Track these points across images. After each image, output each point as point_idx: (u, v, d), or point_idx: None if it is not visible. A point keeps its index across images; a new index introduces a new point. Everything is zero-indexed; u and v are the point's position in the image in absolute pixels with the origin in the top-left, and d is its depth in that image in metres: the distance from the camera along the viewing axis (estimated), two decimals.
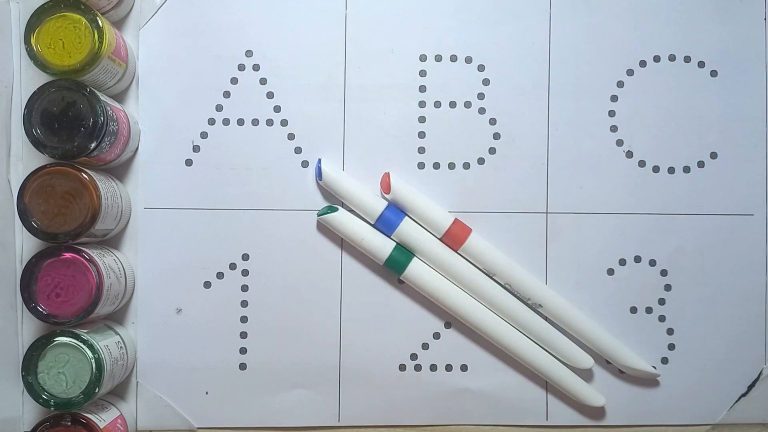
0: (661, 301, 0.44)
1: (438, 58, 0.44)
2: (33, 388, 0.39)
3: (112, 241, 0.43)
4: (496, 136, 0.44)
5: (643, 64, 0.44)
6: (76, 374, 0.39)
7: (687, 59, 0.44)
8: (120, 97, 0.43)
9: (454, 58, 0.44)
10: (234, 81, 0.44)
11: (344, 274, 0.44)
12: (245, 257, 0.44)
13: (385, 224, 0.43)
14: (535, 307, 0.43)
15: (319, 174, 0.43)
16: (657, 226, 0.44)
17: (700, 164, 0.44)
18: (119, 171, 0.43)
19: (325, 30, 0.44)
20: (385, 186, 0.43)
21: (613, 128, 0.44)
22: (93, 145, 0.38)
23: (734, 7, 0.44)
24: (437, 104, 0.44)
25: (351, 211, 0.43)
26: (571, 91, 0.44)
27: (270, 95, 0.44)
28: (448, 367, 0.44)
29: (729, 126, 0.44)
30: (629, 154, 0.44)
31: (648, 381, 0.44)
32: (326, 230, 0.43)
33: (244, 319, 0.44)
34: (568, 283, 0.44)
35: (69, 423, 0.39)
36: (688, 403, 0.44)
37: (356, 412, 0.44)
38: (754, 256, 0.44)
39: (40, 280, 0.39)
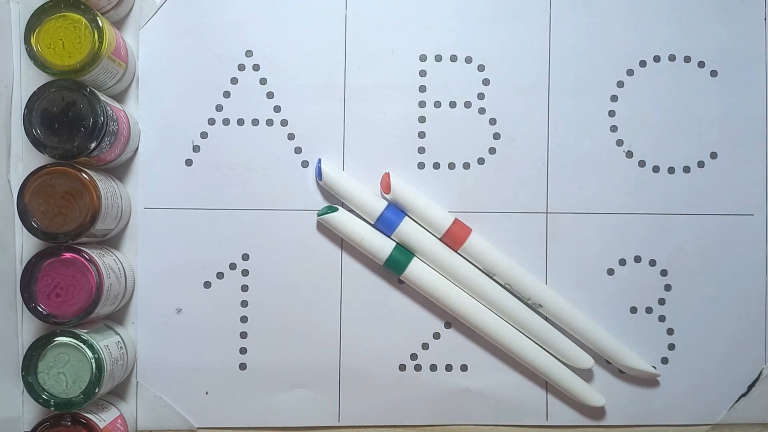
0: (661, 301, 0.44)
1: (438, 58, 0.44)
2: (33, 388, 0.39)
3: (112, 241, 0.43)
4: (496, 136, 0.44)
5: (643, 64, 0.44)
6: (76, 374, 0.39)
7: (687, 59, 0.44)
8: (120, 97, 0.43)
9: (454, 58, 0.44)
10: (234, 81, 0.44)
11: (344, 274, 0.44)
12: (245, 257, 0.44)
13: (385, 224, 0.43)
14: (535, 307, 0.43)
15: (319, 174, 0.43)
16: (657, 226, 0.44)
17: (700, 164, 0.44)
18: (119, 171, 0.43)
19: (325, 30, 0.44)
20: (385, 186, 0.43)
21: (613, 128, 0.44)
22: (93, 145, 0.38)
23: (734, 7, 0.44)
24: (437, 104, 0.44)
25: (351, 211, 0.43)
26: (571, 91, 0.44)
27: (270, 95, 0.44)
28: (448, 367, 0.44)
29: (729, 126, 0.44)
30: (629, 154, 0.44)
31: (648, 381, 0.44)
32: (326, 230, 0.43)
33: (244, 319, 0.44)
34: (568, 283, 0.44)
35: (69, 423, 0.39)
36: (688, 403, 0.44)
37: (356, 412, 0.44)
38: (754, 256, 0.44)
39: (40, 280, 0.39)
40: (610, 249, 0.44)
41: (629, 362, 0.43)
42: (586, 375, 0.44)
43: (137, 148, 0.43)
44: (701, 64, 0.44)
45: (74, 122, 0.38)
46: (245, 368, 0.44)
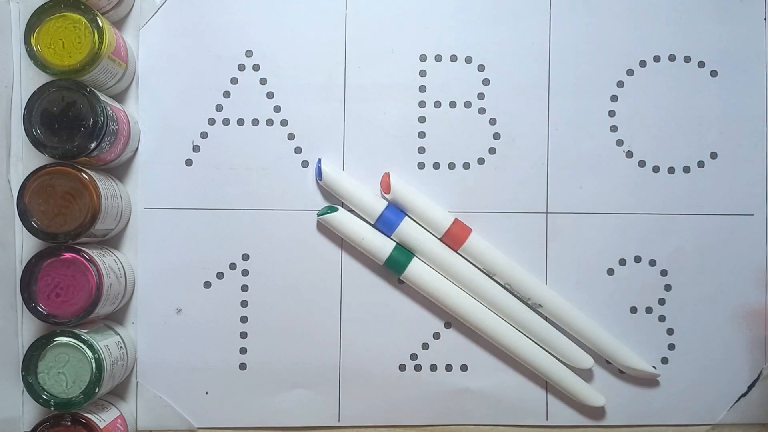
0: (661, 301, 0.44)
1: (438, 58, 0.44)
2: (33, 388, 0.39)
3: (112, 241, 0.43)
4: (496, 136, 0.44)
5: (643, 64, 0.44)
6: (76, 374, 0.39)
7: (687, 59, 0.44)
8: (120, 97, 0.43)
9: (454, 58, 0.44)
10: (234, 81, 0.44)
11: (344, 274, 0.44)
12: (245, 257, 0.44)
13: (385, 224, 0.43)
14: (535, 307, 0.43)
15: (319, 174, 0.43)
16: (657, 226, 0.44)
17: (700, 164, 0.44)
18: (119, 171, 0.43)
19: (325, 30, 0.44)
20: (385, 186, 0.43)
21: (613, 128, 0.44)
22: (93, 145, 0.38)
23: (734, 7, 0.44)
24: (437, 104, 0.44)
25: (351, 211, 0.43)
26: (571, 91, 0.44)
27: (270, 95, 0.44)
28: (448, 367, 0.44)
29: (729, 126, 0.44)
30: (629, 154, 0.44)
31: (648, 381, 0.44)
32: (326, 230, 0.43)
33: (244, 319, 0.44)
34: (568, 283, 0.44)
35: (69, 423, 0.39)
36: (688, 403, 0.44)
37: (356, 412, 0.44)
38: (754, 256, 0.44)
39: (40, 280, 0.39)
40: (610, 249, 0.44)
41: (629, 362, 0.43)
42: (586, 375, 0.44)
43: (137, 148, 0.43)
44: (701, 64, 0.44)
45: (74, 122, 0.38)
46: (245, 368, 0.44)
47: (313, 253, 0.44)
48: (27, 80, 0.42)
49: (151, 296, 0.43)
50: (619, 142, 0.44)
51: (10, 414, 0.42)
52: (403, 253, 0.43)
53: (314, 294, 0.44)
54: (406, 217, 0.43)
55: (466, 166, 0.44)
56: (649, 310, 0.44)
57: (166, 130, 0.43)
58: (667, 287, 0.44)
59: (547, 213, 0.44)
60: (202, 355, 0.43)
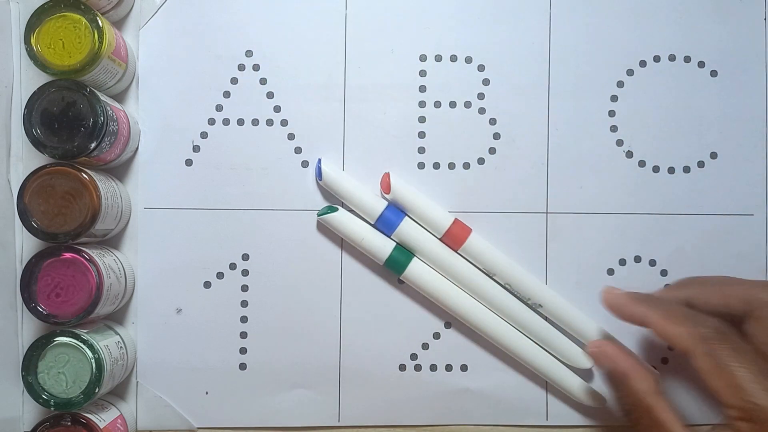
0: None
1: (438, 58, 0.44)
2: (33, 388, 0.39)
3: (112, 241, 0.43)
4: (496, 136, 0.44)
5: (643, 64, 0.44)
6: (76, 374, 0.39)
7: (687, 59, 0.44)
8: (120, 97, 0.43)
9: (454, 58, 0.44)
10: (234, 81, 0.44)
11: (344, 274, 0.44)
12: (245, 257, 0.44)
13: (385, 224, 0.43)
14: (535, 307, 0.43)
15: (319, 174, 0.43)
16: (657, 226, 0.44)
17: (700, 164, 0.44)
18: (119, 171, 0.43)
19: (325, 30, 0.44)
20: (385, 186, 0.43)
21: (613, 128, 0.44)
22: (93, 145, 0.38)
23: (734, 7, 0.44)
24: (437, 104, 0.44)
25: (351, 211, 0.43)
26: (571, 91, 0.44)
27: (270, 95, 0.44)
28: (448, 367, 0.44)
29: (729, 126, 0.44)
30: (629, 154, 0.44)
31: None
32: (326, 230, 0.43)
33: (244, 319, 0.44)
34: (568, 283, 0.44)
35: (69, 423, 0.39)
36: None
37: (356, 412, 0.44)
38: (754, 256, 0.44)
39: (40, 280, 0.39)
40: (610, 249, 0.44)
41: None
42: (586, 375, 0.44)
43: (137, 148, 0.43)
44: (701, 64, 0.44)
45: (74, 122, 0.38)
46: (245, 368, 0.44)
47: (313, 253, 0.44)
48: (27, 80, 0.42)
49: (151, 296, 0.43)
50: (619, 142, 0.44)
51: (10, 414, 0.42)
52: (403, 253, 0.43)
53: (314, 294, 0.44)
54: (406, 217, 0.43)
55: (466, 166, 0.44)
56: None
57: (166, 130, 0.43)
58: (667, 287, 0.44)
59: (547, 213, 0.44)
60: (202, 355, 0.43)
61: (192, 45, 0.44)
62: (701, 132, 0.44)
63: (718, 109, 0.44)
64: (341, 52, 0.44)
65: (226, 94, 0.44)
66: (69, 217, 0.38)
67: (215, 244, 0.44)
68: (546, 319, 0.44)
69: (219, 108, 0.44)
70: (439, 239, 0.43)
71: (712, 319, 0.36)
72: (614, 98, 0.44)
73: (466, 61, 0.44)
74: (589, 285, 0.44)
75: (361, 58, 0.44)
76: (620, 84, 0.44)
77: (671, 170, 0.44)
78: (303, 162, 0.44)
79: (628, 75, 0.44)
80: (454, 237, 0.43)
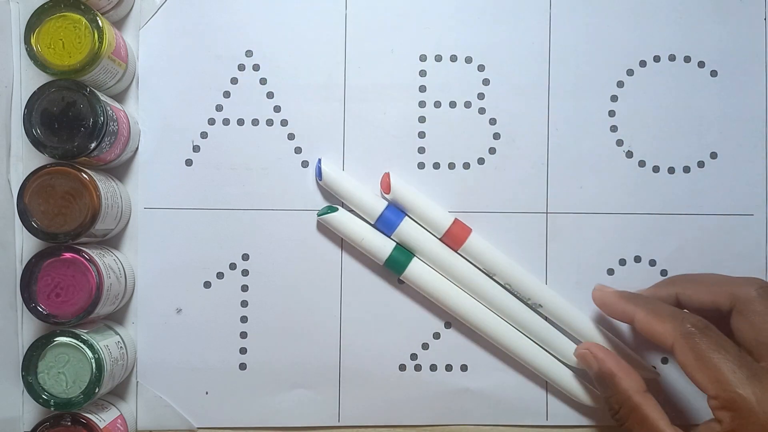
0: None
1: (438, 58, 0.44)
2: (33, 388, 0.39)
3: (112, 241, 0.43)
4: (496, 136, 0.44)
5: (643, 64, 0.44)
6: (76, 374, 0.39)
7: (687, 59, 0.44)
8: (120, 97, 0.43)
9: (454, 58, 0.44)
10: (234, 81, 0.44)
11: (344, 274, 0.44)
12: (245, 257, 0.44)
13: (385, 224, 0.43)
14: (535, 307, 0.43)
15: (319, 174, 0.43)
16: (657, 226, 0.44)
17: (700, 164, 0.44)
18: (119, 171, 0.43)
19: (325, 30, 0.44)
20: (385, 186, 0.43)
21: (613, 128, 0.44)
22: (93, 145, 0.38)
23: (734, 7, 0.44)
24: (437, 104, 0.44)
25: (351, 211, 0.43)
26: (571, 91, 0.44)
27: (270, 95, 0.44)
28: (448, 367, 0.44)
29: (729, 126, 0.44)
30: (629, 154, 0.44)
31: (648, 381, 0.44)
32: (326, 230, 0.43)
33: (244, 319, 0.44)
34: (568, 283, 0.44)
35: (69, 423, 0.39)
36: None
37: (356, 412, 0.44)
38: (754, 256, 0.44)
39: (40, 280, 0.39)
40: (610, 249, 0.44)
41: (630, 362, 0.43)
42: (585, 375, 0.44)
43: (137, 148, 0.43)
44: (701, 64, 0.44)
45: (74, 122, 0.38)
46: (245, 368, 0.44)
47: (313, 253, 0.44)
48: (27, 80, 0.42)
49: (151, 296, 0.43)
50: (619, 142, 0.44)
51: (10, 414, 0.42)
52: (403, 253, 0.43)
53: (314, 294, 0.44)
54: (406, 217, 0.43)
55: (466, 166, 0.44)
56: None
57: (166, 130, 0.43)
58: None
59: (547, 213, 0.44)
60: (202, 355, 0.43)
61: (192, 45, 0.44)
62: (701, 132, 0.44)
63: (718, 109, 0.44)
64: (341, 52, 0.44)
65: (226, 94, 0.44)
66: (69, 217, 0.38)
67: (215, 244, 0.44)
68: (546, 319, 0.44)
69: (219, 108, 0.44)
70: (439, 239, 0.43)
71: (693, 315, 0.37)
72: (614, 98, 0.44)
73: (466, 61, 0.44)
74: (589, 285, 0.44)
75: (361, 58, 0.44)
76: (620, 84, 0.44)
77: (671, 170, 0.44)
78: (303, 162, 0.44)
79: (628, 75, 0.44)
80: (454, 237, 0.43)
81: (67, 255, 0.39)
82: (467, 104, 0.44)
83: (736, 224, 0.44)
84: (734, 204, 0.44)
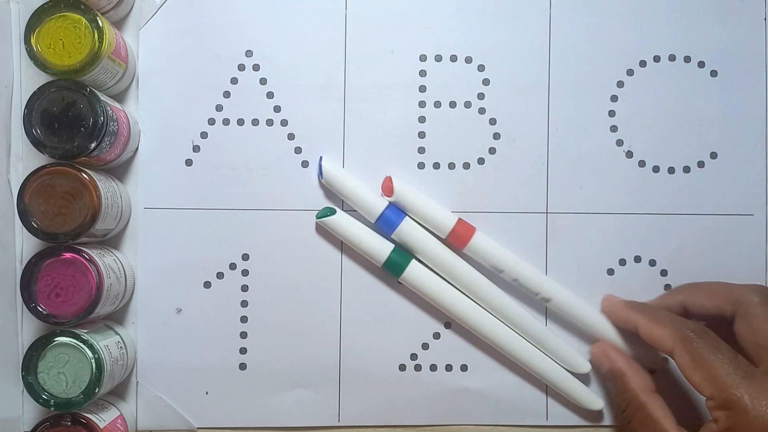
0: None
1: (438, 58, 0.44)
2: (33, 388, 0.39)
3: (112, 241, 0.43)
4: (496, 136, 0.44)
5: (643, 64, 0.44)
6: (76, 374, 0.39)
7: (687, 59, 0.44)
8: (120, 97, 0.43)
9: (454, 58, 0.44)
10: (234, 81, 0.44)
11: (344, 274, 0.44)
12: (245, 257, 0.44)
13: (385, 223, 0.43)
14: (543, 302, 0.43)
15: (320, 172, 0.43)
16: (657, 226, 0.44)
17: (700, 164, 0.44)
18: (119, 171, 0.43)
19: (325, 30, 0.44)
20: (388, 190, 0.42)
21: (613, 128, 0.44)
22: (93, 145, 0.38)
23: (734, 7, 0.44)
24: (437, 104, 0.44)
25: (351, 210, 0.43)
26: (571, 91, 0.44)
27: (270, 95, 0.44)
28: (448, 367, 0.44)
29: (729, 126, 0.44)
30: (629, 154, 0.44)
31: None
32: (326, 230, 0.43)
33: (244, 319, 0.44)
34: (568, 283, 0.44)
35: (69, 423, 0.39)
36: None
37: (356, 412, 0.44)
38: (754, 256, 0.44)
39: (40, 280, 0.39)
40: (610, 249, 0.44)
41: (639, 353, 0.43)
42: (585, 376, 0.44)
43: (137, 148, 0.43)
44: (701, 64, 0.44)
45: (74, 122, 0.38)
46: (245, 368, 0.44)
47: (313, 253, 0.44)
48: (27, 80, 0.42)
49: (151, 296, 0.43)
50: (619, 142, 0.44)
51: (10, 414, 0.42)
52: (402, 255, 0.43)
53: (314, 294, 0.44)
54: (407, 217, 0.43)
55: (466, 166, 0.44)
56: None
57: (166, 130, 0.43)
58: (667, 287, 0.44)
59: (547, 213, 0.44)
60: (202, 355, 0.43)
61: (192, 45, 0.44)
62: (701, 132, 0.44)
63: (718, 109, 0.44)
64: (341, 52, 0.44)
65: (226, 94, 0.44)
66: (69, 217, 0.38)
67: (215, 244, 0.44)
68: (546, 318, 0.44)
69: (219, 108, 0.44)
70: (444, 240, 0.43)
71: (692, 321, 0.38)
72: (614, 98, 0.44)
73: (466, 61, 0.44)
74: (589, 285, 0.44)
75: (361, 58, 0.44)
76: (620, 84, 0.44)
77: (671, 170, 0.44)
78: (303, 162, 0.44)
79: (628, 75, 0.44)
80: (459, 237, 0.43)
81: (67, 255, 0.39)
82: (467, 104, 0.44)
83: (736, 224, 0.44)
84: (734, 204, 0.44)
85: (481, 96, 0.44)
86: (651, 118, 0.44)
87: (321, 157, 0.43)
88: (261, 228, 0.44)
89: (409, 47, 0.44)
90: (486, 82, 0.44)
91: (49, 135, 0.38)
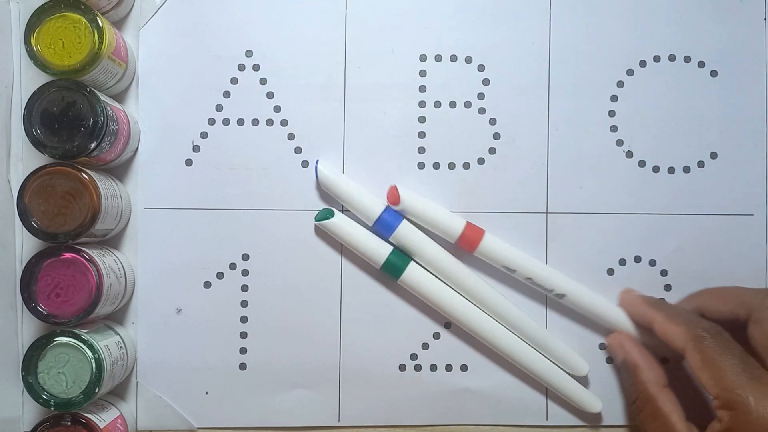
0: None
1: (438, 58, 0.44)
2: (33, 388, 0.39)
3: (112, 241, 0.43)
4: (496, 136, 0.44)
5: (643, 64, 0.44)
6: (76, 374, 0.39)
7: (687, 59, 0.44)
8: (120, 97, 0.43)
9: (454, 58, 0.44)
10: (234, 81, 0.44)
11: (344, 274, 0.44)
12: (245, 257, 0.44)
13: (383, 226, 0.43)
14: (558, 299, 0.43)
15: (317, 176, 0.43)
16: (657, 226, 0.44)
17: (700, 164, 0.44)
18: (119, 171, 0.43)
19: (325, 30, 0.44)
20: (394, 199, 0.42)
21: (613, 128, 0.44)
22: (93, 145, 0.38)
23: (734, 7, 0.44)
24: (437, 104, 0.44)
25: (350, 213, 0.43)
26: (571, 91, 0.44)
27: (270, 95, 0.44)
28: (448, 367, 0.44)
29: (729, 126, 0.44)
30: (629, 154, 0.44)
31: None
32: (325, 231, 0.43)
33: (244, 319, 0.44)
34: None
35: (69, 423, 0.39)
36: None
37: (356, 412, 0.44)
38: (754, 256, 0.44)
39: (40, 280, 0.39)
40: (610, 249, 0.44)
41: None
42: (584, 379, 0.44)
43: (137, 148, 0.43)
44: (701, 64, 0.44)
45: (74, 122, 0.38)
46: (245, 368, 0.44)
47: (313, 253, 0.44)
48: (27, 80, 0.42)
49: (151, 296, 0.43)
50: (619, 142, 0.44)
51: (10, 414, 0.42)
52: (400, 257, 0.43)
53: (314, 294, 0.44)
54: (405, 220, 0.43)
55: (466, 166, 0.44)
56: None
57: (166, 130, 0.43)
58: (667, 287, 0.44)
59: (547, 213, 0.44)
60: (202, 355, 0.43)
61: (192, 45, 0.44)
62: (701, 132, 0.44)
63: (718, 109, 0.44)
64: (341, 52, 0.44)
65: (226, 94, 0.44)
66: (69, 217, 0.38)
67: (215, 244, 0.44)
68: (545, 319, 0.44)
69: (219, 108, 0.44)
70: (453, 244, 0.43)
71: (707, 321, 0.39)
72: (614, 98, 0.44)
73: (466, 61, 0.44)
74: (590, 285, 0.44)
75: (361, 58, 0.44)
76: (620, 84, 0.44)
77: (671, 170, 0.44)
78: (303, 162, 0.44)
79: (628, 75, 0.44)
80: (468, 240, 0.42)
81: (67, 255, 0.39)
82: (467, 104, 0.44)
83: (736, 224, 0.44)
84: (734, 204, 0.44)
85: (481, 96, 0.44)
86: (651, 118, 0.44)
87: (317, 161, 0.43)
88: (261, 228, 0.44)
89: (409, 47, 0.44)
90: (486, 82, 0.44)
91: (49, 135, 0.38)
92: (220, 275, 0.44)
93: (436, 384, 0.44)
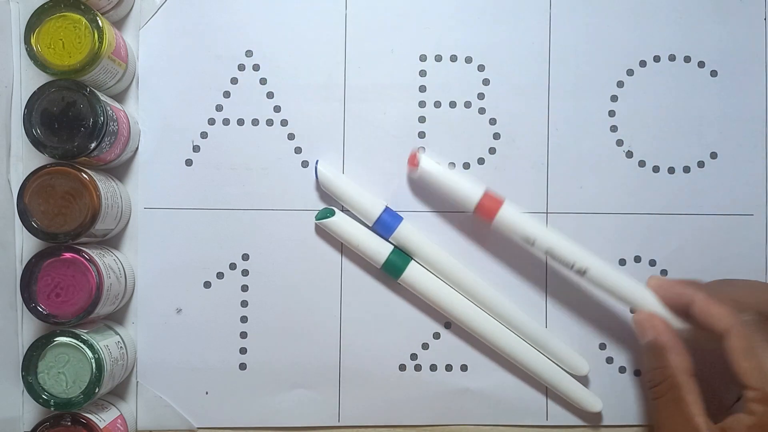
0: None
1: (438, 58, 0.44)
2: (33, 388, 0.39)
3: (112, 241, 0.43)
4: (496, 136, 0.44)
5: (643, 64, 0.44)
6: (76, 374, 0.39)
7: (687, 59, 0.44)
8: (120, 97, 0.43)
9: (454, 58, 0.44)
10: (234, 81, 0.44)
11: (344, 274, 0.44)
12: (245, 257, 0.44)
13: (383, 227, 0.43)
14: (579, 274, 0.41)
15: (316, 176, 0.43)
16: (657, 226, 0.44)
17: (700, 164, 0.44)
18: (119, 171, 0.43)
19: (325, 30, 0.44)
20: (413, 162, 0.42)
21: (613, 128, 0.44)
22: (93, 145, 0.38)
23: (734, 7, 0.44)
24: (437, 104, 0.44)
25: (350, 212, 0.43)
26: (571, 91, 0.44)
27: (270, 95, 0.44)
28: (448, 367, 0.44)
29: (729, 126, 0.44)
30: (629, 154, 0.44)
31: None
32: (326, 230, 0.43)
33: (244, 319, 0.44)
34: (568, 283, 0.44)
35: (69, 423, 0.39)
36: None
37: (356, 412, 0.44)
38: (754, 256, 0.44)
39: (40, 280, 0.39)
40: (610, 249, 0.44)
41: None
42: (584, 378, 0.44)
43: (137, 148, 0.43)
44: (701, 64, 0.44)
45: (74, 122, 0.38)
46: (245, 368, 0.44)
47: (313, 253, 0.44)
48: (27, 80, 0.42)
49: (151, 296, 0.43)
50: (619, 142, 0.44)
51: (10, 414, 0.42)
52: (401, 256, 0.43)
53: (314, 294, 0.44)
54: (404, 220, 0.43)
55: (467, 166, 0.44)
56: None
57: (166, 130, 0.43)
58: None
59: (547, 213, 0.44)
60: (202, 355, 0.43)
61: (192, 45, 0.44)
62: (701, 132, 0.44)
63: (718, 109, 0.44)
64: (341, 52, 0.44)
65: (226, 94, 0.44)
66: (69, 217, 0.38)
67: (215, 244, 0.44)
68: (545, 319, 0.44)
69: (219, 108, 0.44)
70: (470, 214, 0.42)
71: (753, 310, 0.37)
72: (614, 98, 0.44)
73: (466, 61, 0.44)
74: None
75: (361, 58, 0.44)
76: (620, 84, 0.44)
77: (671, 170, 0.44)
78: (303, 162, 0.44)
79: (628, 75, 0.44)
80: (486, 209, 0.41)
81: (67, 255, 0.39)
82: (467, 104, 0.44)
83: (736, 224, 0.44)
84: (734, 204, 0.44)
85: (481, 96, 0.44)
86: (651, 118, 0.44)
87: (317, 161, 0.43)
88: (261, 228, 0.44)
89: (409, 47, 0.44)
90: (486, 82, 0.44)
91: (49, 135, 0.38)
92: (220, 275, 0.44)
93: (436, 384, 0.44)
